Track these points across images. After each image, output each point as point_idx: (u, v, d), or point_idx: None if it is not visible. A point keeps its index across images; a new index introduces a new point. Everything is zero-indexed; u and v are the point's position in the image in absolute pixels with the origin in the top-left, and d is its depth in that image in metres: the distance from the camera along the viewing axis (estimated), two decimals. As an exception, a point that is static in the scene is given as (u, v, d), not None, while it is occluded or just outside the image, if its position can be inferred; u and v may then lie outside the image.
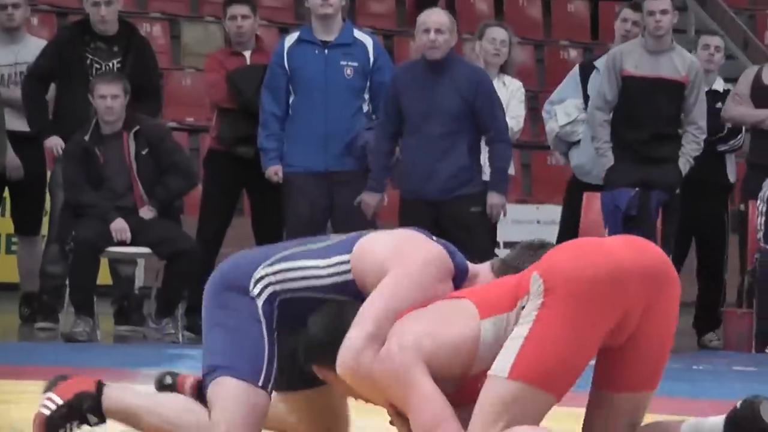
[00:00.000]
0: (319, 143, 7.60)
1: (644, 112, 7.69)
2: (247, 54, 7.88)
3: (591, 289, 3.11)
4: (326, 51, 7.69)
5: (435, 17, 7.45)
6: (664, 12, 7.70)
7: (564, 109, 8.27)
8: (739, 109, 8.31)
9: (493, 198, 7.48)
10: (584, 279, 3.12)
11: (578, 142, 8.12)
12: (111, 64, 7.78)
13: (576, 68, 8.55)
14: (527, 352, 3.14)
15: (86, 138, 7.49)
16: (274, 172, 7.61)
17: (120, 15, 8.09)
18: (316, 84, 7.71)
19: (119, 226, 7.28)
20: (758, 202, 8.00)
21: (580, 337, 3.14)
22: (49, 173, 8.10)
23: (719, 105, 8.35)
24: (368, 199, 7.40)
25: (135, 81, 7.68)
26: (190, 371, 5.23)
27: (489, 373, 3.16)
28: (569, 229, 8.14)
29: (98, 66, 7.70)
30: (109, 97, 7.38)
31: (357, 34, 7.87)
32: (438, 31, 7.27)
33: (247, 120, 7.69)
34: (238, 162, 7.73)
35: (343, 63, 7.71)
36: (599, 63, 8.22)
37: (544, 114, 8.45)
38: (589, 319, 3.13)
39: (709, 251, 8.39)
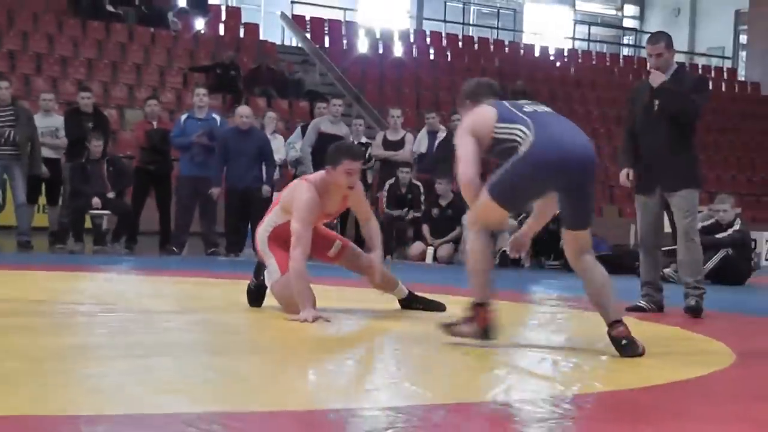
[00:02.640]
0: (194, 163, 11.00)
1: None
2: (155, 123, 11.40)
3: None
4: (200, 122, 11.07)
5: (246, 111, 11.04)
6: (340, 105, 12.02)
7: (297, 147, 11.89)
8: (378, 152, 12.23)
9: (266, 188, 11.15)
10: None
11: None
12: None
13: (300, 127, 12.32)
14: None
15: (83, 160, 10.86)
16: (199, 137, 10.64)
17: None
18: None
19: (96, 201, 10.79)
20: (384, 192, 12.02)
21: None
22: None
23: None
24: (214, 190, 10.89)
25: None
26: (127, 269, 8.68)
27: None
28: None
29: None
30: (97, 144, 10.94)
31: (215, 114, 11.31)
32: (248, 117, 10.96)
33: (153, 153, 11.31)
34: (149, 173, 11.30)
35: (206, 127, 11.02)
36: (310, 125, 11.81)
37: (285, 148, 11.84)
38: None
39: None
